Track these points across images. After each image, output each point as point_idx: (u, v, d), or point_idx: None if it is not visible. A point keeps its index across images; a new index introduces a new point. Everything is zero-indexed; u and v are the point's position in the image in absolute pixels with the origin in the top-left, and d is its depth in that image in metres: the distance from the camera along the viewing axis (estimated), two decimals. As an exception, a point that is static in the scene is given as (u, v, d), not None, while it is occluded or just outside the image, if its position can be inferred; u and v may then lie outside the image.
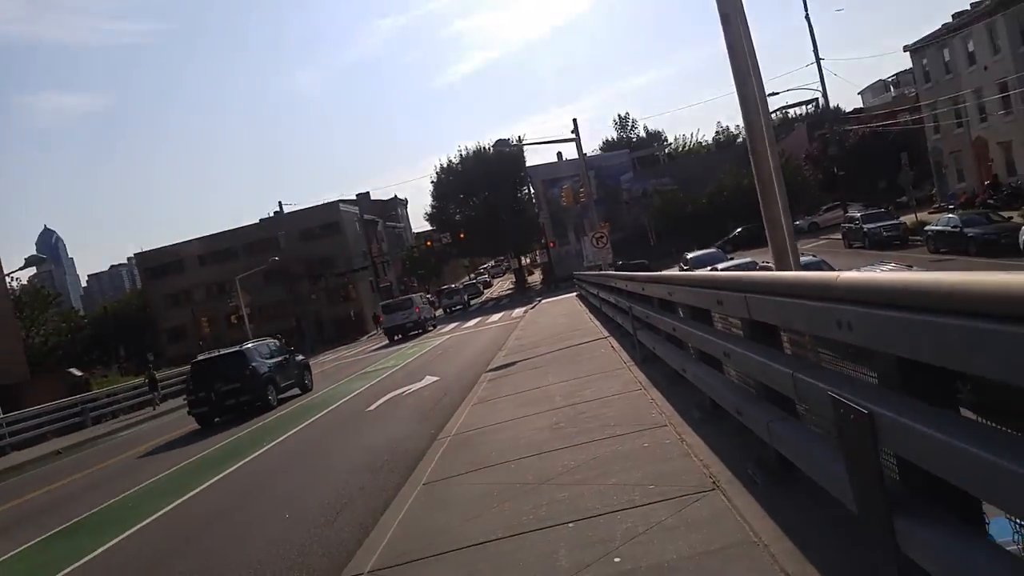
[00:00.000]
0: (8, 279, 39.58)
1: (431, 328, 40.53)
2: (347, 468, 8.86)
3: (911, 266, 16.71)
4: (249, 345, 19.87)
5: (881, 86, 73.65)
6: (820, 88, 45.56)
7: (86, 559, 7.32)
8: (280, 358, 20.34)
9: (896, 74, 71.32)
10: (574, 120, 32.46)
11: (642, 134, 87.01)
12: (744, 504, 3.96)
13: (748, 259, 29.35)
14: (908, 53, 46.19)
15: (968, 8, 39.38)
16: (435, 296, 61.49)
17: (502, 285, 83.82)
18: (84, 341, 64.96)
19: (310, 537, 6.36)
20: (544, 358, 13.55)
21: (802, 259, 24.65)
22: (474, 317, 42.57)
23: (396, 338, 39.00)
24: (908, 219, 34.25)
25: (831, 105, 75.91)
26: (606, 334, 14.71)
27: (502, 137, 25.19)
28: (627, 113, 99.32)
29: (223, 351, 19.71)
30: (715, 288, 4.52)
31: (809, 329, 3.04)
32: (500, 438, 7.47)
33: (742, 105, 7.30)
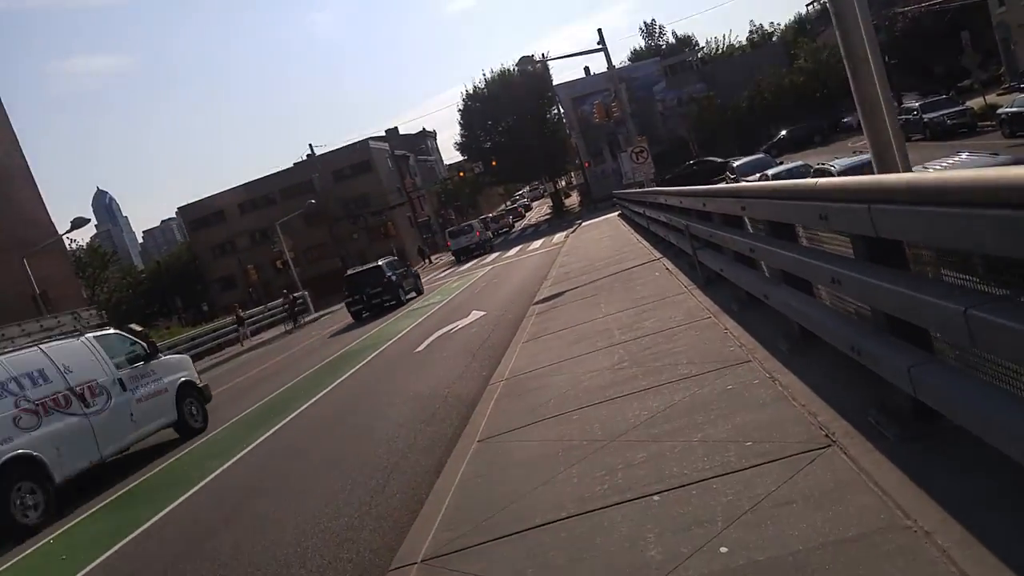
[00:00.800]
0: (67, 241, 41.05)
1: (490, 249, 44.71)
2: (398, 420, 8.35)
3: (996, 153, 15.18)
4: (382, 262, 26.15)
5: (932, -39, 68.12)
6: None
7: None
8: (402, 270, 26.98)
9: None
10: (599, 31, 30.52)
11: (671, 40, 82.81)
12: (875, 467, 3.19)
13: (799, 162, 27.73)
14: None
15: None
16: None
17: (540, 210, 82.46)
18: (145, 295, 66.73)
19: (360, 510, 5.85)
20: (594, 286, 12.76)
21: (851, 160, 23.10)
22: (515, 245, 41.78)
23: (462, 259, 43.68)
24: (975, 103, 31.78)
25: (877, -12, 71.00)
26: (658, 255, 13.80)
27: (526, 55, 23.59)
28: (653, 20, 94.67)
29: (367, 266, 26.64)
30: (816, 200, 3.63)
31: (998, 248, 2.18)
32: (557, 382, 6.79)
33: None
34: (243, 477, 8.12)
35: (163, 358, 12.23)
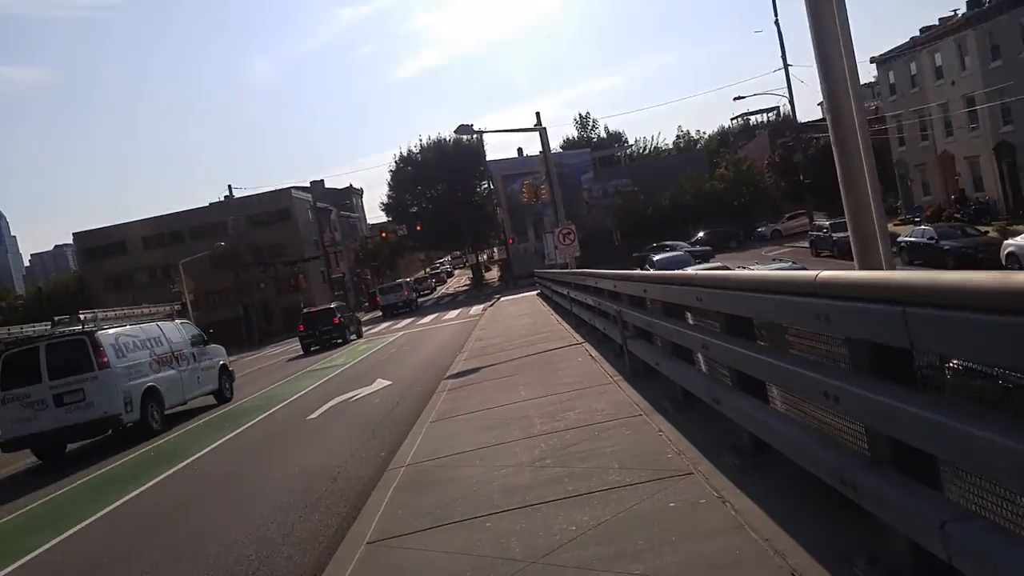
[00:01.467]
0: None
1: (416, 308, 48.39)
2: (276, 501, 7.16)
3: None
4: (334, 305, 33.54)
5: (842, 97, 74.26)
6: (787, 94, 45.12)
7: None
8: (349, 314, 32.65)
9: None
10: (537, 113, 31.05)
11: (603, 135, 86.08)
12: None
13: (717, 264, 28.41)
14: (875, 65, 46.06)
15: (936, 23, 39.22)
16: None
17: (459, 280, 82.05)
18: (18, 323, 61.06)
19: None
20: (512, 365, 12.00)
21: (776, 265, 23.69)
22: (429, 313, 40.82)
23: (393, 313, 46.77)
24: (877, 229, 33.72)
25: (792, 115, 76.58)
26: (580, 339, 13.24)
27: (464, 124, 23.48)
28: (588, 112, 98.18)
29: (322, 307, 33.31)
30: (816, 297, 3.02)
31: None
32: (468, 475, 5.89)
33: (820, 57, 5.77)
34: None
35: (211, 344, 17.54)
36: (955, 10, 37.32)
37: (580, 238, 25.87)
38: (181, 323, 17.06)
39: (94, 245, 62.49)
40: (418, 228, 63.87)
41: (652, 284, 6.58)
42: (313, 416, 12.05)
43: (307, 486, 7.46)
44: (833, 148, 5.85)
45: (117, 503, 8.27)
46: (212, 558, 5.81)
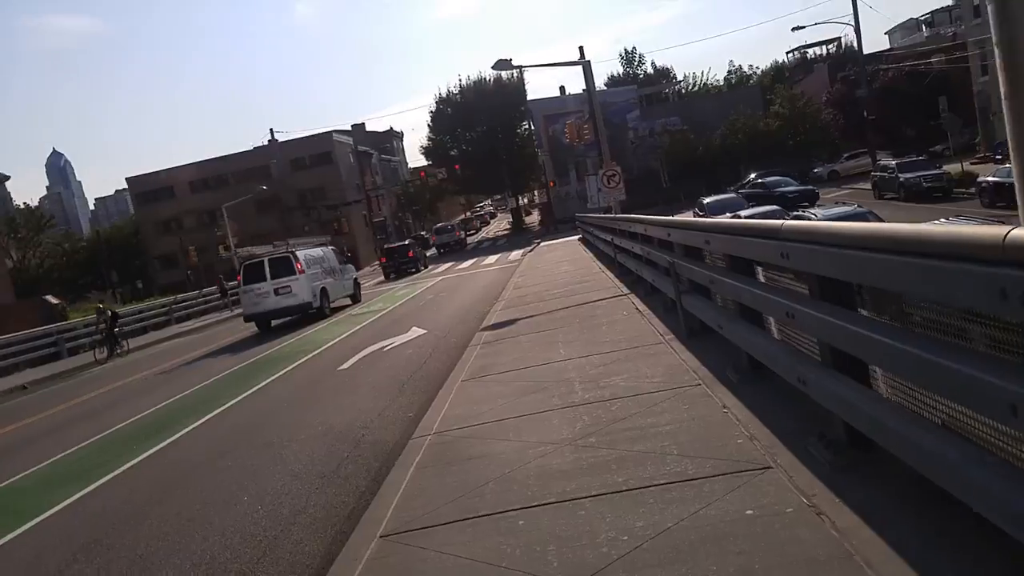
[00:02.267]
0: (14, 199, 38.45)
1: (465, 247, 53.90)
2: (293, 467, 6.58)
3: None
4: (408, 241, 42.65)
5: (913, 25, 69.57)
6: (853, 22, 41.86)
7: None
8: (420, 249, 41.60)
9: (931, 12, 67.21)
10: (580, 48, 29.35)
11: (650, 71, 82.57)
12: None
13: (773, 207, 26.81)
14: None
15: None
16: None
17: (499, 225, 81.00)
18: (79, 266, 62.70)
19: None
20: (551, 317, 11.19)
21: (840, 209, 22.24)
22: (469, 258, 40.12)
23: (442, 251, 53.30)
24: (952, 169, 31.47)
25: (855, 47, 72.09)
26: (626, 290, 12.32)
27: (503, 58, 21.93)
28: (634, 48, 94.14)
29: (399, 243, 41.67)
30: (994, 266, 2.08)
31: None
32: (499, 452, 5.15)
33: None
34: (45, 549, 6.22)
35: (348, 264, 25.11)
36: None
37: (625, 180, 24.60)
38: (332, 248, 24.50)
39: (145, 190, 63.20)
40: (456, 168, 62.74)
41: (716, 235, 5.61)
42: (345, 366, 11.49)
43: (328, 450, 6.86)
44: (1000, 70, 4.67)
45: (137, 459, 7.85)
46: (218, 534, 5.24)
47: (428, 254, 48.20)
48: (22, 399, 16.91)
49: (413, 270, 37.52)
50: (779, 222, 4.03)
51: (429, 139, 67.83)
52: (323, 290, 21.32)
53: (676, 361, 6.88)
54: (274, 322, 21.01)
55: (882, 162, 35.71)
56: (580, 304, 11.88)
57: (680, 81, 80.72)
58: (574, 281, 15.69)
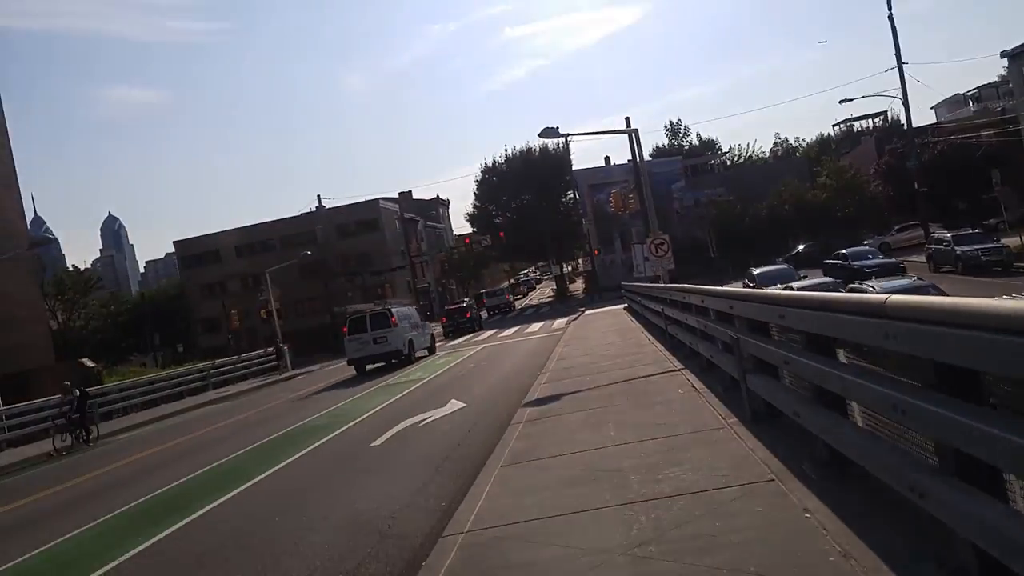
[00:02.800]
0: (79, 262, 40.26)
1: (511, 309, 58.91)
2: (312, 562, 5.91)
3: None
4: (467, 302, 46.81)
5: (960, 100, 68.61)
6: (901, 95, 41.26)
7: None
8: (475, 308, 45.48)
9: (979, 87, 66.36)
10: (627, 118, 29.27)
11: (694, 142, 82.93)
12: None
13: (826, 279, 25.82)
14: (1005, 60, 41.86)
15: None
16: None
17: (542, 292, 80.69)
18: (122, 327, 64.18)
19: None
20: (599, 393, 10.45)
21: (901, 282, 21.12)
22: (512, 325, 39.59)
23: (492, 314, 56.40)
24: (1010, 242, 30.18)
25: (901, 119, 71.32)
26: (678, 365, 11.54)
27: (549, 126, 21.83)
28: (679, 119, 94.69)
29: (458, 304, 45.84)
30: None
31: None
32: (540, 563, 4.42)
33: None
34: None
35: (427, 323, 31.11)
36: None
37: (672, 249, 23.99)
38: (416, 308, 31.75)
39: (192, 253, 64.91)
40: (501, 235, 63.02)
41: (793, 309, 4.92)
42: (377, 443, 10.86)
43: (350, 543, 6.17)
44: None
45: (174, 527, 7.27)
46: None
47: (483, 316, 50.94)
48: (50, 467, 16.66)
49: (470, 328, 41.27)
50: (882, 296, 3.35)
51: (475, 206, 68.66)
52: (410, 341, 26.05)
53: (742, 450, 6.09)
54: (368, 367, 25.65)
55: (936, 234, 34.45)
56: (630, 379, 11.13)
57: (726, 152, 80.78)
58: (622, 353, 14.94)
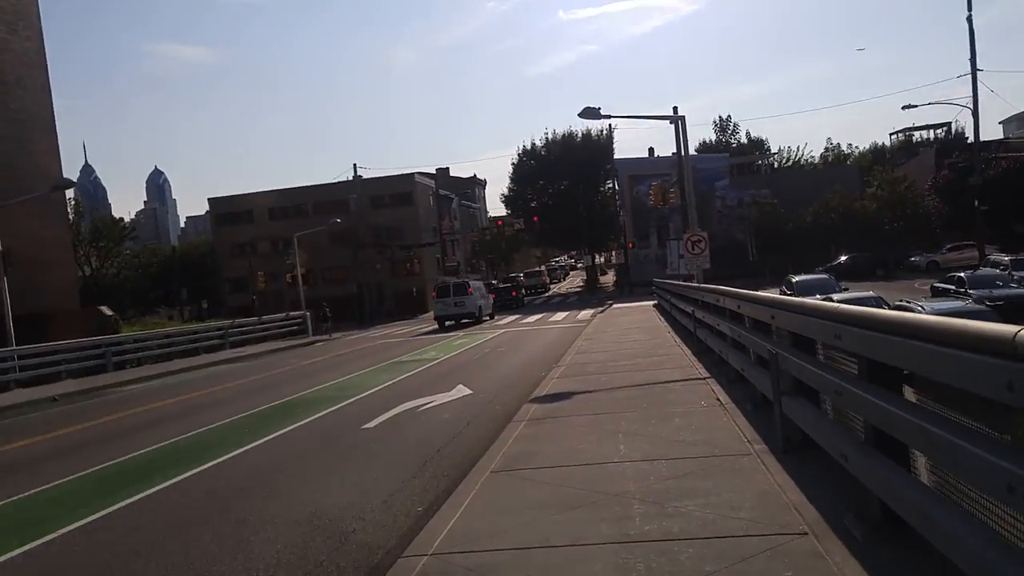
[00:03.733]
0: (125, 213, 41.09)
1: (547, 289, 66.94)
2: (261, 559, 5.14)
3: None
4: (512, 282, 52.29)
5: (1029, 116, 65.56)
6: (972, 104, 38.93)
7: None
8: (520, 289, 51.83)
9: (1052, 105, 63.25)
10: (674, 108, 27.92)
11: (743, 140, 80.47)
12: None
13: (869, 293, 24.30)
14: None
15: None
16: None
17: (572, 281, 79.45)
18: (152, 278, 64.64)
19: None
20: (613, 396, 9.54)
21: (952, 304, 19.69)
22: (536, 312, 38.70)
23: (530, 295, 58.91)
24: (1070, 270, 28.34)
25: (966, 131, 68.24)
26: (704, 373, 10.55)
27: (591, 107, 20.44)
28: (729, 116, 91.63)
29: (505, 283, 51.49)
30: None
31: None
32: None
33: None
34: None
35: (489, 294, 38.49)
36: None
37: (710, 249, 22.80)
38: (483, 282, 40.12)
39: (225, 211, 64.94)
40: (535, 219, 61.97)
41: (855, 328, 3.93)
42: (370, 425, 10.09)
43: (303, 547, 5.36)
44: None
45: (133, 497, 6.58)
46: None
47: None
48: (47, 412, 16.30)
49: (515, 305, 45.59)
50: (1010, 329, 2.39)
51: (510, 189, 67.59)
52: (480, 306, 34.12)
53: (771, 486, 5.14)
54: (447, 323, 33.31)
55: (993, 257, 32.65)
56: (650, 384, 10.18)
57: (774, 154, 78.42)
58: (645, 353, 13.96)
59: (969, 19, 35.32)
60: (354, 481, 7.20)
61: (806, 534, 4.22)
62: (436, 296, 34.37)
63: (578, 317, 31.13)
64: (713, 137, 79.95)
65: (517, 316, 36.79)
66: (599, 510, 4.97)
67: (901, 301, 20.50)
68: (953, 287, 22.91)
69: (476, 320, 33.46)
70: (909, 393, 3.92)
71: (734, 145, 77.27)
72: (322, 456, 8.51)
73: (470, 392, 12.39)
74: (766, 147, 79.74)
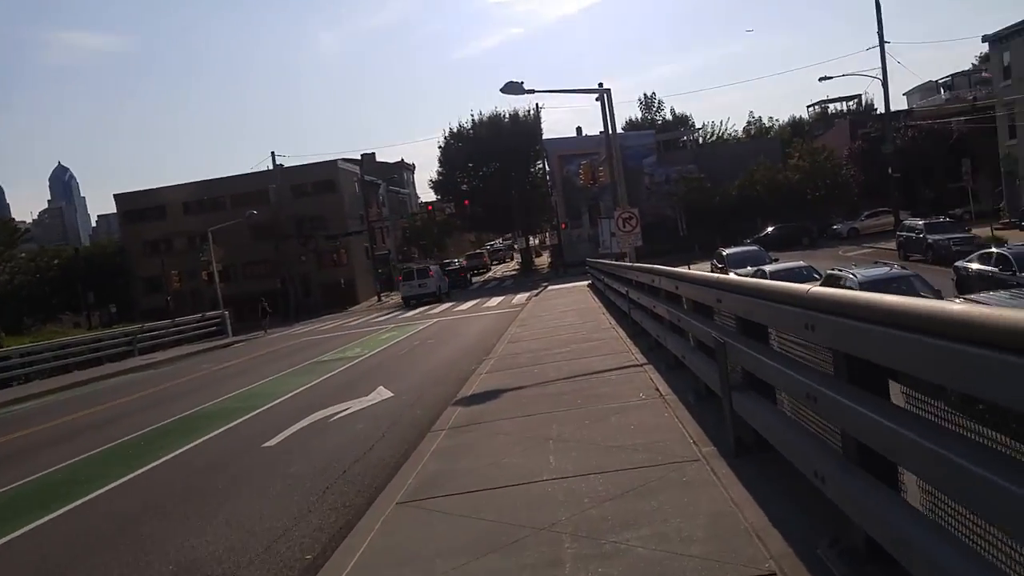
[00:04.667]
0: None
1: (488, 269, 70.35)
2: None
3: None
4: (459, 262, 61.39)
5: (932, 87, 67.83)
6: (880, 76, 39.75)
7: None
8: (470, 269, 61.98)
9: (951, 75, 65.68)
10: (600, 84, 27.11)
11: (668, 118, 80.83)
12: None
13: (800, 263, 24.19)
14: (987, 44, 40.53)
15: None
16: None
17: (507, 265, 78.53)
18: (52, 283, 60.09)
19: None
20: (544, 392, 8.62)
21: (880, 270, 19.61)
22: (470, 299, 37.63)
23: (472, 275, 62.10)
24: (981, 233, 29.33)
25: (875, 103, 70.33)
26: (641, 359, 9.76)
27: (514, 81, 19.38)
28: (654, 93, 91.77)
29: (456, 266, 57.53)
30: None
31: None
32: None
33: None
34: None
35: (444, 277, 43.37)
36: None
37: (641, 226, 22.18)
38: (439, 267, 44.33)
39: (134, 208, 61.20)
40: (465, 203, 60.74)
41: (830, 317, 3.06)
42: (271, 443, 8.89)
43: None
44: None
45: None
46: None
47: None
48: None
49: (465, 285, 50.67)
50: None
51: (440, 172, 66.02)
52: (439, 286, 39.45)
53: (725, 505, 4.29)
54: (412, 302, 38.04)
55: (908, 222, 33.52)
56: (584, 375, 9.31)
57: (699, 129, 79.11)
58: (579, 339, 13.13)
59: (875, -6, 35.83)
60: (240, 519, 6.05)
61: (767, 559, 3.37)
62: (402, 280, 40.59)
63: (513, 301, 30.26)
64: (639, 115, 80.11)
65: (451, 304, 35.66)
66: (522, 553, 4.01)
67: (833, 270, 20.35)
68: (997, 269, 18.01)
69: (437, 298, 38.52)
70: (898, 394, 3.09)
71: (660, 122, 77.61)
72: (209, 487, 7.29)
73: (391, 395, 11.29)
74: (691, 123, 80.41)
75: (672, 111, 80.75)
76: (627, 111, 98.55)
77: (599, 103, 25.10)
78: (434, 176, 66.62)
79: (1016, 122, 37.53)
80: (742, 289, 4.60)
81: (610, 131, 22.95)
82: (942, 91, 65.97)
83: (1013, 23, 37.25)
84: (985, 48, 42.32)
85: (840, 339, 3.03)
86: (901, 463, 2.91)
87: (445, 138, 64.63)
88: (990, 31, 39.16)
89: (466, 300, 36.59)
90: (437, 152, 67.15)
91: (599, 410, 7.23)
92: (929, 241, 29.19)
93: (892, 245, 33.28)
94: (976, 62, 61.82)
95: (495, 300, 33.54)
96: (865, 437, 2.99)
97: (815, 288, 3.39)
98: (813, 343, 3.51)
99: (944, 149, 43.50)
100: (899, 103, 70.71)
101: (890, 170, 39.78)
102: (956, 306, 2.30)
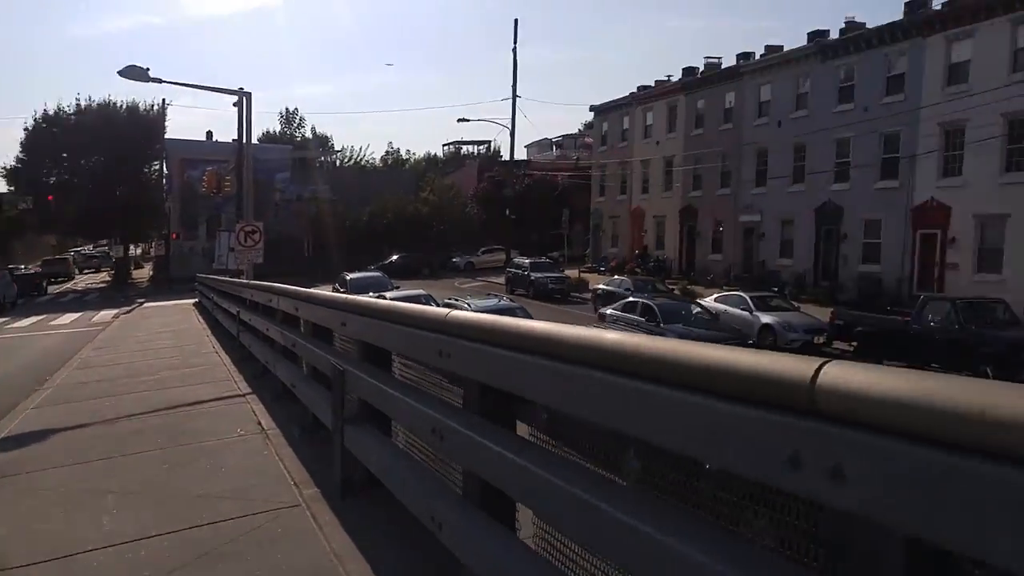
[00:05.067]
0: None
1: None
2: None
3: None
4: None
5: (547, 144, 78.60)
6: (511, 125, 44.49)
7: None
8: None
9: (562, 136, 77.03)
10: (241, 88, 24.84)
11: (309, 135, 79.19)
12: None
13: (420, 291, 24.98)
14: (593, 113, 48.00)
15: (652, 85, 41.65)
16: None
17: (94, 277, 66.63)
18: None
19: None
20: (115, 430, 6.89)
21: (491, 301, 21.26)
22: (36, 313, 30.55)
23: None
24: (572, 274, 34.32)
25: (502, 151, 78.87)
26: (246, 388, 8.56)
27: (134, 65, 16.18)
28: (296, 108, 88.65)
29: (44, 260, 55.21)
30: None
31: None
32: None
33: None
34: None
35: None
36: (669, 76, 39.94)
37: (265, 243, 20.59)
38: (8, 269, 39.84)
39: None
40: (49, 199, 50.81)
41: (466, 342, 2.55)
42: None
43: None
44: None
45: None
46: None
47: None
48: None
49: (39, 293, 43.27)
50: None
51: (19, 159, 54.13)
52: (4, 295, 32.46)
53: (326, 559, 3.56)
54: None
55: (517, 260, 37.69)
56: (173, 407, 7.75)
57: (338, 152, 79.06)
58: (174, 364, 11.23)
59: (514, 51, 40.13)
60: None
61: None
62: None
63: (94, 319, 25.58)
64: (278, 128, 77.01)
65: (4, 319, 28.41)
66: None
67: (449, 299, 21.40)
68: (644, 320, 18.97)
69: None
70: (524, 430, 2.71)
71: (298, 139, 75.63)
72: None
73: None
74: (330, 144, 79.97)
75: (313, 130, 79.47)
76: (267, 123, 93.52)
77: (236, 108, 22.91)
78: (9, 163, 54.44)
79: (605, 183, 45.00)
80: (373, 312, 3.97)
81: (244, 139, 21.02)
82: (554, 148, 76.99)
83: (612, 99, 44.71)
84: (591, 116, 50.14)
85: (478, 367, 2.54)
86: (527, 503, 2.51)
87: (35, 120, 53.52)
88: (598, 102, 46.58)
89: (29, 315, 29.70)
90: (20, 135, 55.26)
91: (185, 451, 5.93)
92: (532, 278, 33.03)
93: (502, 280, 36.81)
94: (582, 128, 73.01)
95: (69, 316, 27.90)
96: (492, 476, 2.52)
97: (455, 312, 2.88)
98: (447, 370, 3.00)
99: (551, 199, 50.26)
100: (521, 153, 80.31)
101: (508, 212, 44.53)
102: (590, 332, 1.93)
